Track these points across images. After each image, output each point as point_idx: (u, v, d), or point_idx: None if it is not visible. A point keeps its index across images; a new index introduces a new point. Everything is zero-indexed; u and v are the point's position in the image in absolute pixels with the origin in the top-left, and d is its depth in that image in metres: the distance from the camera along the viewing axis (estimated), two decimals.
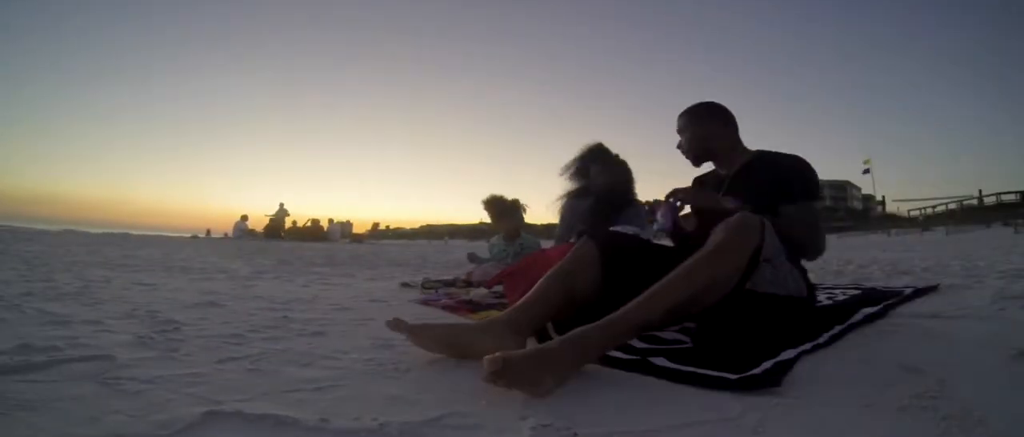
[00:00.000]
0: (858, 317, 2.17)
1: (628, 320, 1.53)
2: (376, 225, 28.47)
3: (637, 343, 1.75)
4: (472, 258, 4.91)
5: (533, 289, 1.90)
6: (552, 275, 1.93)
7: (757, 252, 1.72)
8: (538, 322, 1.84)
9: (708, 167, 2.49)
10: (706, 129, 2.37)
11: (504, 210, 4.58)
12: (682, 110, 2.45)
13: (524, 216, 4.70)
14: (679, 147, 2.46)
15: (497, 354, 1.27)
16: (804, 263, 2.14)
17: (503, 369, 1.25)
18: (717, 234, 1.71)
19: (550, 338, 1.76)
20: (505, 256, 4.42)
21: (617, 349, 1.65)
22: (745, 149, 2.36)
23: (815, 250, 2.12)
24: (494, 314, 2.31)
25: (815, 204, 2.18)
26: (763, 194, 2.13)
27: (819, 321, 2.01)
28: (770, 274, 1.80)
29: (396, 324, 1.65)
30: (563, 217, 3.78)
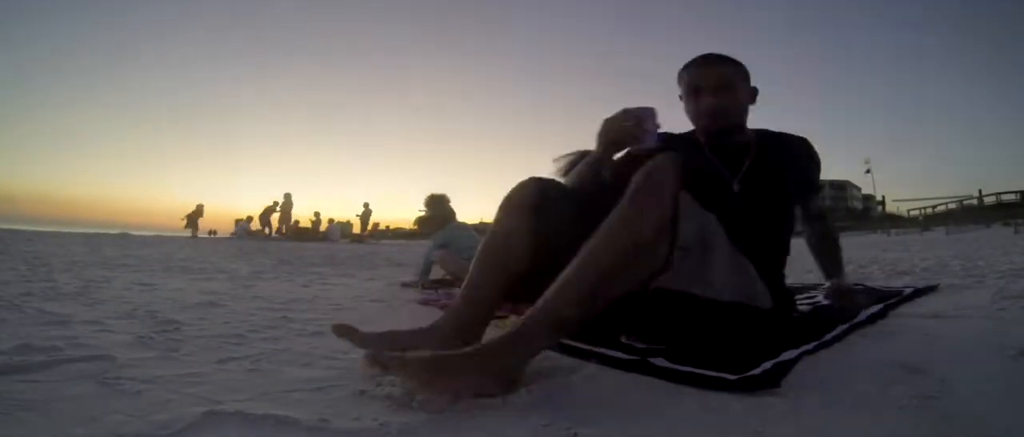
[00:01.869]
0: (861, 317, 2.18)
1: (539, 322, 1.32)
2: (376, 225, 28.48)
3: (638, 343, 1.74)
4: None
5: (467, 277, 1.66)
6: (480, 256, 1.66)
7: (675, 206, 1.39)
8: (484, 316, 1.64)
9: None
10: (750, 95, 2.00)
11: (423, 222, 4.67)
12: (721, 55, 1.97)
13: (438, 210, 4.76)
14: (717, 102, 1.89)
15: (398, 361, 1.21)
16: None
17: (405, 367, 1.21)
18: (627, 193, 1.41)
19: None
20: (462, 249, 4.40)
21: (618, 349, 1.65)
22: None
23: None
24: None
25: (819, 196, 2.14)
26: (786, 177, 1.95)
27: (803, 329, 1.86)
28: (688, 267, 1.51)
29: (342, 330, 1.53)
30: None
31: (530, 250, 1.61)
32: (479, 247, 1.70)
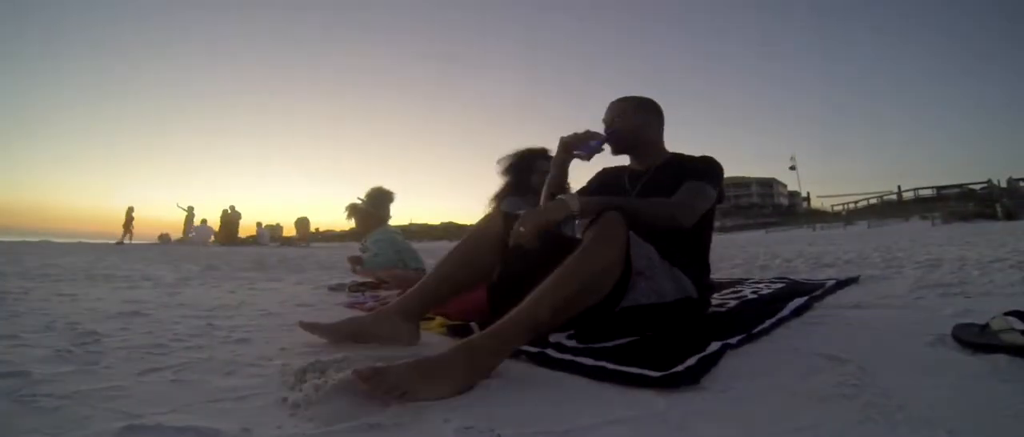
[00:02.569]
0: (786, 311, 2.23)
1: (518, 322, 1.54)
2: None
3: (567, 341, 1.78)
4: (356, 260, 4.60)
5: (430, 273, 2.09)
6: (449, 258, 2.09)
7: (627, 247, 1.77)
8: (430, 306, 2.05)
9: (617, 162, 2.53)
10: (645, 119, 2.41)
11: (357, 215, 4.45)
12: (623, 97, 2.46)
13: (377, 207, 4.50)
14: (610, 129, 2.38)
15: (366, 367, 1.31)
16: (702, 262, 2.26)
17: (374, 379, 1.27)
18: (587, 236, 1.76)
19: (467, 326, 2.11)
20: (375, 256, 4.31)
21: (542, 347, 1.70)
22: (665, 150, 2.42)
23: (670, 219, 2.03)
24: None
25: (705, 185, 2.17)
26: (678, 186, 2.14)
27: (730, 323, 2.05)
28: (645, 285, 1.87)
29: (310, 327, 1.94)
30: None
31: (487, 274, 2.08)
32: (451, 252, 2.10)
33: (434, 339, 2.02)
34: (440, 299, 2.06)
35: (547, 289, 1.60)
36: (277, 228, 24.40)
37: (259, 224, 24.09)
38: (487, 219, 2.14)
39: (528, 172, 3.57)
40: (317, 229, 35.37)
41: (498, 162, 3.72)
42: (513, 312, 1.56)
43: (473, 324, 2.03)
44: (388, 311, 1.98)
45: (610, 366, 1.48)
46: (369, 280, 4.24)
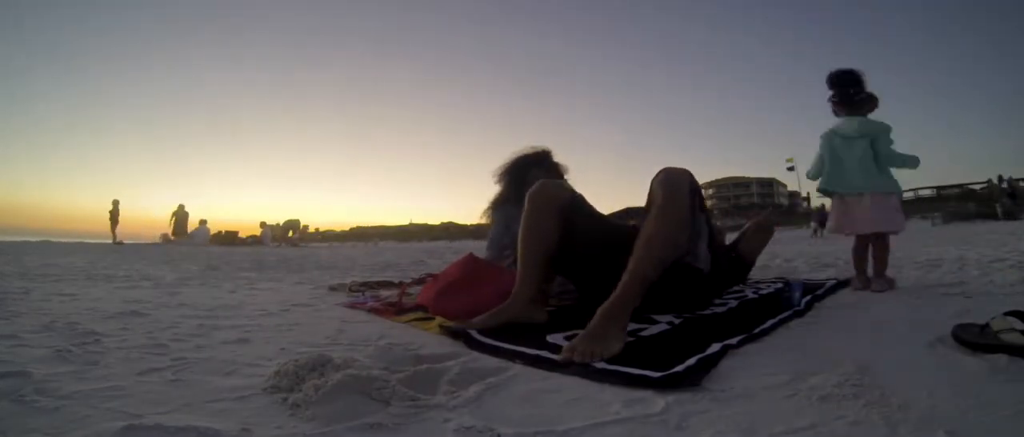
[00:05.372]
0: (786, 311, 2.23)
1: (634, 284, 1.83)
2: (305, 228, 28.17)
3: (566, 343, 1.76)
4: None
5: (521, 258, 2.25)
6: (524, 236, 2.25)
7: (692, 192, 2.08)
8: (540, 286, 2.24)
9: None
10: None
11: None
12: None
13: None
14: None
15: (565, 353, 1.58)
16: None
17: (572, 353, 1.56)
18: (658, 195, 2.00)
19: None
20: None
21: (544, 349, 1.69)
22: None
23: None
24: (421, 316, 2.34)
25: None
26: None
27: (731, 322, 2.06)
28: (703, 251, 2.21)
29: (455, 330, 2.01)
30: (499, 223, 3.41)
31: (548, 238, 2.25)
32: (524, 229, 2.25)
33: (433, 339, 2.02)
34: (542, 269, 2.25)
35: (645, 251, 1.89)
36: (278, 228, 24.43)
37: (263, 224, 24.10)
38: (547, 188, 2.32)
39: (523, 180, 3.41)
40: (316, 229, 35.44)
41: (495, 172, 3.57)
42: (627, 277, 1.84)
43: (468, 327, 2.00)
44: (520, 301, 2.16)
45: (610, 366, 1.48)
46: (370, 280, 4.24)
